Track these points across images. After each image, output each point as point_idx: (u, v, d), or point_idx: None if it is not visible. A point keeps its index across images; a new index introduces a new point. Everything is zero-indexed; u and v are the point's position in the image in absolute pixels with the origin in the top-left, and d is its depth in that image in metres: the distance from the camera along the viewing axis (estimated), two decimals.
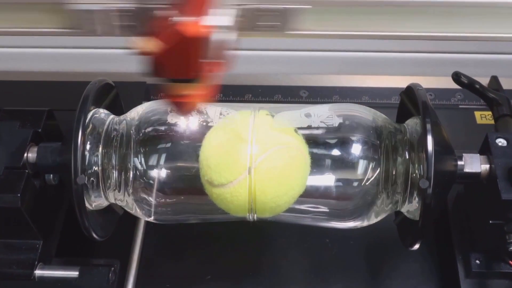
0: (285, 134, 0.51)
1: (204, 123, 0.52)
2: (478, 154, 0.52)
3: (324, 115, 0.53)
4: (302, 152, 0.50)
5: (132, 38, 0.39)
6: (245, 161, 0.48)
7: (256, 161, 0.48)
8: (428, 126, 0.48)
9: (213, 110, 0.54)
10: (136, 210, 0.54)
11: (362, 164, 0.51)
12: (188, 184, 0.52)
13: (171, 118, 0.53)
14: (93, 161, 0.51)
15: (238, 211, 0.50)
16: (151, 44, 0.39)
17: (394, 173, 0.51)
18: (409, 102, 0.54)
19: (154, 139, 0.52)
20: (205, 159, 0.49)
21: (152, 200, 0.52)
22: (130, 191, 0.52)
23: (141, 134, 0.52)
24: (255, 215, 0.51)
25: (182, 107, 0.46)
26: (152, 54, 0.40)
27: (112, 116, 0.55)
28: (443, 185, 0.48)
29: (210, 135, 0.51)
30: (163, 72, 0.42)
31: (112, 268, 0.55)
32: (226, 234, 0.63)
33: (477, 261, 0.56)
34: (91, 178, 0.51)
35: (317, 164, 0.51)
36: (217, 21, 0.39)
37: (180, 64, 0.41)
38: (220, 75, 0.44)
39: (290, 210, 0.52)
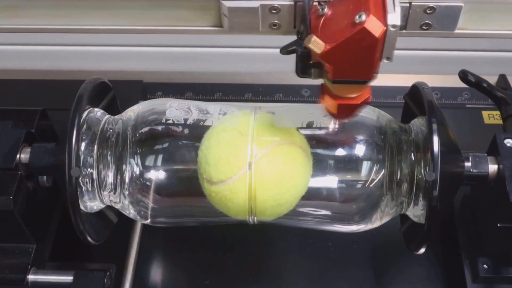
0: (287, 132, 0.51)
1: (203, 123, 0.52)
2: (486, 155, 0.51)
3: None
4: (304, 150, 0.50)
5: (308, 37, 0.39)
6: (245, 156, 0.48)
7: (257, 156, 0.48)
8: (434, 126, 0.47)
9: (212, 109, 0.54)
10: (132, 213, 0.54)
11: (366, 165, 0.51)
12: (186, 185, 0.52)
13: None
14: (88, 161, 0.51)
15: (238, 212, 0.50)
16: (321, 44, 0.39)
17: (399, 174, 0.51)
18: (414, 102, 0.54)
19: (151, 139, 0.52)
20: (204, 157, 0.49)
21: (148, 202, 0.52)
22: (126, 193, 0.52)
23: (137, 134, 0.52)
24: (255, 218, 0.51)
25: (346, 111, 0.45)
26: (326, 53, 0.39)
27: (107, 115, 0.55)
28: (449, 187, 0.48)
29: (209, 134, 0.51)
30: (332, 73, 0.41)
31: (108, 273, 0.55)
32: (226, 238, 0.63)
33: (485, 266, 0.56)
34: (86, 179, 0.51)
35: (319, 165, 0.51)
36: (395, 19, 0.38)
37: (354, 64, 0.40)
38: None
39: (292, 212, 0.51)
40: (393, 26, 0.38)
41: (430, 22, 0.44)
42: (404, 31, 0.44)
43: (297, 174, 0.49)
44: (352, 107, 0.44)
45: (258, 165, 0.48)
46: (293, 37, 0.44)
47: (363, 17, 0.37)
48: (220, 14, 0.45)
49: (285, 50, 0.43)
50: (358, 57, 0.39)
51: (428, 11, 0.43)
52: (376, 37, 0.38)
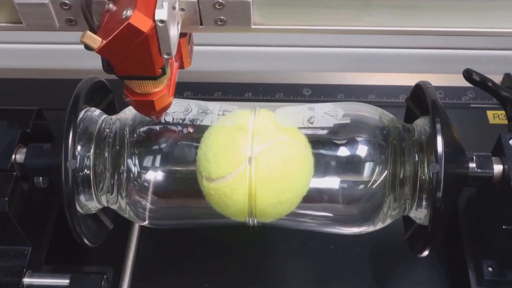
0: (288, 129, 0.51)
1: (202, 122, 0.52)
2: (491, 155, 0.51)
3: (327, 108, 0.53)
4: (305, 148, 0.50)
5: (79, 33, 0.39)
6: (245, 152, 0.48)
7: (257, 151, 0.48)
8: (438, 126, 0.48)
9: (212, 108, 0.54)
10: (130, 214, 0.54)
11: (368, 166, 0.51)
12: (184, 186, 0.52)
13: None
14: (84, 162, 0.51)
15: (237, 211, 0.50)
16: (98, 39, 0.39)
17: (401, 175, 0.51)
18: (416, 103, 0.54)
19: (149, 139, 0.52)
20: (203, 154, 0.49)
21: (146, 203, 0.52)
22: (124, 193, 0.52)
23: (135, 135, 0.52)
24: (255, 219, 0.51)
25: (144, 107, 0.46)
26: (102, 49, 0.39)
27: (105, 115, 0.55)
28: (453, 188, 0.48)
29: (209, 132, 0.51)
30: (116, 69, 0.42)
31: (105, 276, 0.55)
32: (225, 240, 0.63)
33: (490, 269, 0.56)
34: (83, 180, 0.51)
35: (321, 165, 0.51)
36: (163, 15, 0.39)
37: (134, 60, 0.41)
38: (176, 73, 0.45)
39: (292, 214, 0.52)
40: (161, 21, 0.39)
41: (224, 18, 0.44)
42: (201, 26, 0.45)
43: (298, 171, 0.49)
44: (150, 103, 0.45)
45: (259, 160, 0.48)
46: None
47: (129, 13, 0.38)
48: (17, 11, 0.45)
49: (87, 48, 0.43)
50: (134, 52, 0.40)
51: (217, 6, 0.43)
52: (143, 32, 0.39)
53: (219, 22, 0.45)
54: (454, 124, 0.50)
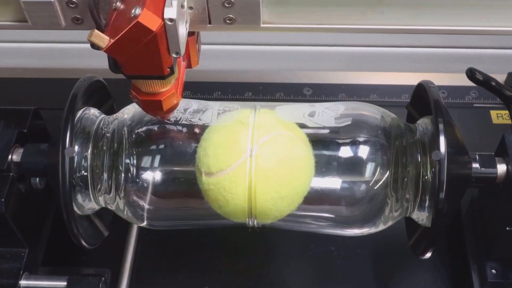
0: (289, 125, 0.51)
1: (202, 122, 0.52)
2: (494, 156, 0.52)
3: (328, 104, 0.54)
4: (305, 145, 0.50)
5: (91, 32, 0.40)
6: (245, 144, 0.48)
7: (258, 143, 0.48)
8: (441, 126, 0.48)
9: (211, 109, 0.54)
10: (128, 215, 0.54)
11: (370, 166, 0.51)
12: (184, 186, 0.52)
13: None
14: (82, 162, 0.51)
15: (237, 208, 0.49)
16: (106, 38, 0.39)
17: (404, 176, 0.51)
18: (419, 104, 0.54)
19: (147, 139, 0.52)
20: (203, 150, 0.49)
21: (144, 203, 0.52)
22: (122, 194, 0.52)
23: (133, 135, 0.52)
24: (255, 218, 0.51)
25: (152, 107, 0.46)
26: (110, 48, 0.40)
27: (102, 115, 0.55)
28: (456, 189, 0.48)
29: (209, 130, 0.51)
30: (124, 68, 0.42)
31: (103, 278, 0.55)
32: (225, 242, 0.63)
33: (493, 271, 0.56)
34: (80, 180, 0.51)
35: (322, 165, 0.51)
36: (172, 13, 0.39)
37: (142, 60, 0.41)
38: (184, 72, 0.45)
39: (293, 215, 0.52)
40: (170, 20, 0.39)
41: (233, 16, 0.44)
42: (209, 25, 0.45)
43: (299, 167, 0.49)
44: (157, 103, 0.45)
45: (259, 153, 0.48)
46: None
47: (138, 11, 0.38)
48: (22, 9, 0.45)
49: (94, 47, 0.43)
50: (142, 51, 0.40)
51: (226, 5, 0.43)
52: (152, 31, 0.38)
53: (227, 21, 0.45)
54: (457, 124, 0.50)
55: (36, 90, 0.74)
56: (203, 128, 0.52)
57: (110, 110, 0.58)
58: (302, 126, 0.52)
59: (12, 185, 0.52)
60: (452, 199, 0.48)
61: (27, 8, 0.44)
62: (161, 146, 0.52)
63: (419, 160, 0.50)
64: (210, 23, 0.45)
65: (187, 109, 0.54)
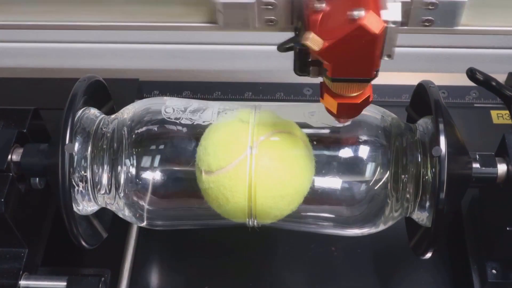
0: (289, 124, 0.51)
1: (202, 122, 0.52)
2: (495, 156, 0.52)
3: None
4: (306, 144, 0.50)
5: (305, 34, 0.39)
6: (245, 141, 0.48)
7: (258, 141, 0.48)
8: (441, 126, 0.48)
9: (211, 109, 0.54)
10: (127, 214, 0.54)
11: (370, 166, 0.51)
12: (183, 186, 0.52)
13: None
14: (82, 162, 0.51)
15: (237, 206, 0.49)
16: (319, 41, 0.39)
17: (404, 176, 0.51)
18: (419, 104, 0.54)
19: (147, 140, 0.52)
20: (203, 149, 0.49)
21: (144, 203, 0.52)
22: (122, 194, 0.52)
23: (133, 135, 0.52)
24: (255, 218, 0.51)
25: (346, 110, 0.45)
26: (325, 51, 0.39)
27: (102, 115, 0.55)
28: (457, 189, 0.48)
29: (209, 129, 0.51)
30: (332, 71, 0.41)
31: (103, 278, 0.55)
32: (225, 242, 0.63)
33: (494, 271, 0.56)
34: (80, 180, 0.51)
35: (322, 165, 0.51)
36: (396, 15, 0.38)
37: (354, 62, 0.40)
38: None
39: (293, 215, 0.52)
40: (394, 22, 0.38)
41: (432, 18, 0.44)
42: (405, 27, 0.44)
43: (299, 165, 0.49)
44: (353, 106, 0.44)
45: (259, 150, 0.48)
46: (290, 34, 0.44)
47: (362, 13, 0.37)
48: (214, 10, 0.45)
49: (283, 48, 0.43)
50: (357, 54, 0.39)
51: (430, 7, 0.43)
52: (375, 34, 0.38)
53: (426, 23, 0.44)
54: (457, 124, 0.50)
55: (36, 90, 0.74)
56: (203, 127, 0.52)
57: (110, 110, 0.58)
58: (302, 125, 0.52)
59: (11, 185, 0.52)
60: (453, 199, 0.48)
61: (225, 10, 0.44)
62: (161, 146, 0.52)
63: (419, 160, 0.50)
64: (407, 25, 0.44)
65: (187, 109, 0.54)
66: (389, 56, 0.41)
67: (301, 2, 0.41)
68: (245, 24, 0.45)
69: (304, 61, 0.42)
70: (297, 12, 0.42)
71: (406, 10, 0.43)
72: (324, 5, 0.40)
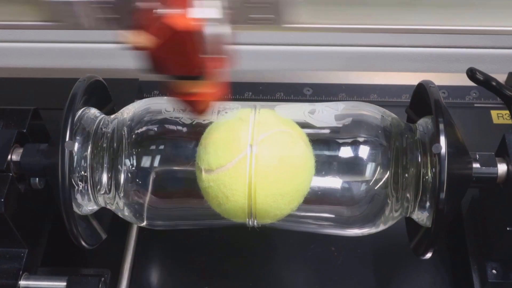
0: (289, 123, 0.51)
1: (201, 122, 0.52)
2: (495, 156, 0.52)
3: (329, 105, 0.54)
4: (306, 144, 0.50)
5: (122, 32, 0.39)
6: (245, 140, 0.48)
7: (258, 139, 0.48)
8: (441, 126, 0.48)
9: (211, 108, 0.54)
10: (127, 214, 0.54)
11: (370, 166, 0.51)
12: (183, 186, 0.52)
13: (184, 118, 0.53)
14: (82, 162, 0.51)
15: (237, 205, 0.49)
16: (142, 38, 0.39)
17: (404, 176, 0.51)
18: (419, 104, 0.54)
19: (147, 140, 0.52)
20: (203, 148, 0.49)
21: (144, 203, 0.52)
22: (121, 194, 0.52)
23: (133, 135, 0.52)
24: (255, 220, 0.51)
25: (194, 106, 0.45)
26: (146, 48, 0.39)
27: (102, 115, 0.55)
28: (457, 189, 0.48)
29: (209, 129, 0.51)
30: (163, 69, 0.41)
31: (102, 279, 0.55)
32: (225, 242, 0.63)
33: (494, 271, 0.56)
34: (79, 180, 0.51)
35: (322, 165, 0.51)
36: (204, 13, 0.38)
37: (178, 60, 0.41)
38: (226, 72, 0.44)
39: (293, 215, 0.52)
40: (211, 19, 0.39)
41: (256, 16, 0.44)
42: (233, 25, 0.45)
43: (299, 164, 0.49)
44: (202, 103, 0.45)
45: (259, 149, 0.48)
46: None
47: (165, 11, 0.38)
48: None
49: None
50: (176, 51, 0.40)
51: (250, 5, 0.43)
52: (177, 30, 0.38)
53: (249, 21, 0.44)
54: (457, 124, 0.50)
55: (36, 90, 0.74)
56: (203, 126, 0.52)
57: (110, 110, 0.58)
58: (302, 125, 0.52)
59: (11, 185, 0.52)
60: (453, 199, 0.48)
61: (52, 8, 0.44)
62: (161, 146, 0.52)
63: (420, 160, 0.50)
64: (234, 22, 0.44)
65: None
66: (221, 54, 0.41)
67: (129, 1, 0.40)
68: (76, 23, 0.45)
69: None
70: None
71: (234, 7, 0.43)
72: (149, 3, 0.40)
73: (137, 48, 0.39)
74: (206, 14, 0.38)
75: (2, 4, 0.46)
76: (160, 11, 0.38)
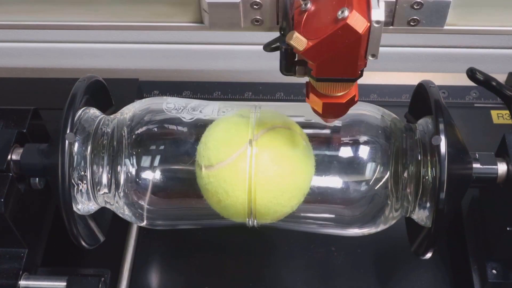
0: (289, 121, 0.51)
1: (201, 121, 0.52)
2: (495, 156, 0.51)
3: None
4: (306, 142, 0.50)
5: (288, 34, 0.39)
6: (245, 135, 0.48)
7: (258, 134, 0.48)
8: (441, 126, 0.48)
9: (211, 109, 0.54)
10: (127, 214, 0.54)
11: (370, 167, 0.51)
12: (184, 186, 0.52)
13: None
14: (82, 162, 0.51)
15: (237, 202, 0.49)
16: (303, 41, 0.38)
17: (404, 176, 0.51)
18: (418, 107, 0.54)
19: (147, 140, 0.52)
20: (204, 145, 0.49)
21: (144, 203, 0.52)
22: (121, 194, 0.52)
23: (133, 135, 0.52)
24: (255, 219, 0.51)
25: (332, 110, 0.45)
26: (308, 50, 0.39)
27: (102, 115, 0.55)
28: (457, 189, 0.48)
29: (209, 128, 0.51)
30: (316, 71, 0.41)
31: (102, 279, 0.55)
32: (225, 242, 0.63)
33: (494, 271, 0.56)
34: (80, 180, 0.51)
35: (322, 165, 0.51)
36: (379, 15, 0.38)
37: (338, 62, 0.40)
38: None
39: (293, 215, 0.52)
40: (377, 22, 0.38)
41: (417, 18, 0.44)
42: (391, 27, 0.44)
43: (299, 161, 0.49)
44: (338, 106, 0.44)
45: (259, 144, 0.48)
46: (277, 33, 0.44)
47: (346, 13, 0.37)
48: (200, 10, 0.45)
49: (269, 47, 0.43)
50: (341, 54, 0.39)
51: (415, 7, 0.43)
52: (359, 33, 0.38)
53: (411, 23, 0.44)
54: (457, 124, 0.50)
55: (36, 90, 0.74)
56: (204, 122, 0.52)
57: (108, 107, 0.58)
58: (302, 125, 0.52)
59: (11, 185, 0.52)
60: (453, 199, 0.48)
61: (211, 9, 0.44)
62: (161, 146, 0.52)
63: (420, 159, 0.50)
64: (392, 24, 0.44)
65: (188, 105, 0.54)
66: (374, 55, 0.41)
67: (285, 2, 0.41)
68: (231, 24, 0.45)
69: (290, 61, 0.42)
70: (282, 12, 0.42)
71: (391, 10, 0.43)
72: (309, 4, 0.40)
73: (299, 51, 0.39)
74: (378, 16, 0.38)
75: (157, 5, 0.46)
76: (341, 14, 0.37)
